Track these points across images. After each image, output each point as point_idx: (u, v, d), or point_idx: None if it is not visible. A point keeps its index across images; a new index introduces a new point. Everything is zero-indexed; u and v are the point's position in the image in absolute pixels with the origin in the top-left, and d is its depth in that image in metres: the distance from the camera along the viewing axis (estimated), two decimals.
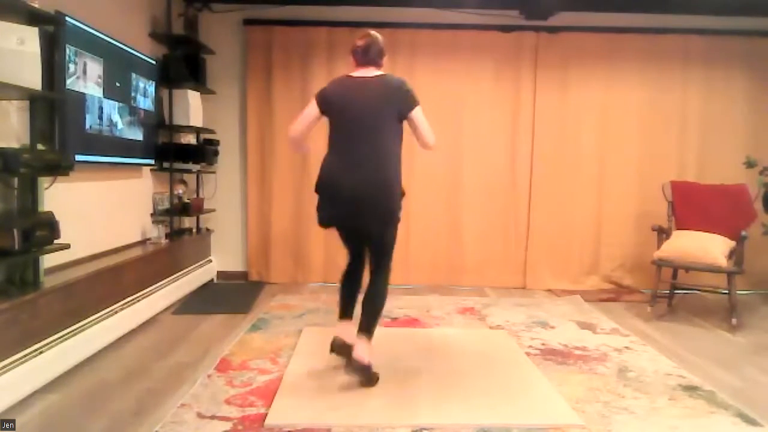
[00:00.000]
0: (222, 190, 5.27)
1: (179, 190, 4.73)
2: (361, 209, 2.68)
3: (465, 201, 5.18)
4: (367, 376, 2.71)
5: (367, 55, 2.79)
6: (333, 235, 5.04)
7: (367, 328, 2.75)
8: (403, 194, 2.86)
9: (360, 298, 2.90)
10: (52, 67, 2.95)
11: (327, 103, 2.78)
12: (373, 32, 2.84)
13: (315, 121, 2.82)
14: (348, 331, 2.86)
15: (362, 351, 2.69)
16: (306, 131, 2.84)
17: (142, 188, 4.37)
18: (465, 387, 2.77)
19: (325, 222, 2.82)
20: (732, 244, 4.02)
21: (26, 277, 2.79)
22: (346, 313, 2.96)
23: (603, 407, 2.56)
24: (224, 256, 5.30)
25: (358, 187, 2.65)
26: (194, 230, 5.05)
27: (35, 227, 2.63)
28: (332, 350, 2.87)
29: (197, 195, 5.11)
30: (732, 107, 5.13)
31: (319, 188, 2.79)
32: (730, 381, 2.96)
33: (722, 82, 5.12)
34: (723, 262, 3.90)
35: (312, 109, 2.80)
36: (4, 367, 2.37)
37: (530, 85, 5.13)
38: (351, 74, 2.83)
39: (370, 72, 2.80)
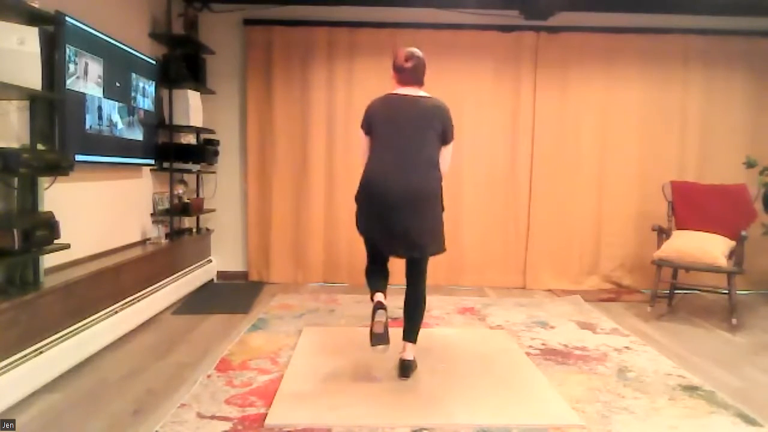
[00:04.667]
0: (222, 190, 5.27)
1: (179, 190, 4.72)
2: (407, 217, 2.69)
3: (465, 201, 5.17)
4: (410, 368, 2.88)
5: (413, 75, 2.83)
6: (333, 235, 5.15)
7: (411, 335, 2.90)
8: (442, 208, 2.90)
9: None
10: (52, 67, 2.95)
11: (370, 123, 2.84)
12: (416, 51, 2.84)
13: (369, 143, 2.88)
14: (382, 298, 2.79)
15: (408, 353, 2.88)
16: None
17: (142, 188, 4.37)
18: (465, 387, 2.77)
19: (364, 228, 2.82)
20: (732, 244, 4.02)
21: (26, 277, 2.79)
22: (379, 287, 2.84)
23: (603, 407, 2.56)
24: (224, 256, 5.30)
25: (404, 192, 2.67)
26: (194, 230, 5.04)
27: (35, 227, 2.63)
28: (374, 340, 2.60)
29: (197, 195, 5.10)
30: (732, 107, 5.13)
31: (360, 194, 2.80)
32: (730, 381, 2.96)
33: (722, 82, 5.12)
34: (723, 262, 3.89)
35: (361, 136, 2.90)
36: (4, 367, 2.37)
37: (530, 85, 5.12)
38: (395, 92, 2.86)
39: (415, 91, 2.84)
